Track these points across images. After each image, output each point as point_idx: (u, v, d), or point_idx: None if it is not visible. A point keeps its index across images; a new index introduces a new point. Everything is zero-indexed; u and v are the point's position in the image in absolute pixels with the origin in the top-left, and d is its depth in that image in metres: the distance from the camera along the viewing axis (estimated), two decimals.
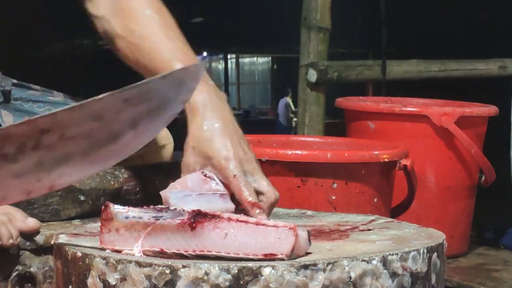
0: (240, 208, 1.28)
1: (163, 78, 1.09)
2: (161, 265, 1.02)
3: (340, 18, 3.57)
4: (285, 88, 16.03)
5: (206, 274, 1.01)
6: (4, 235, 1.32)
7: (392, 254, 1.08)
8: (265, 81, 25.94)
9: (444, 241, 1.19)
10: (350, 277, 1.04)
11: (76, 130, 1.08)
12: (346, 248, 1.14)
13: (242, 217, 1.10)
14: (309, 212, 1.48)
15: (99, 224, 1.31)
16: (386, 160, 2.15)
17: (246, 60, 26.91)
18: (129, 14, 1.49)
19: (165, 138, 1.75)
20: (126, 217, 1.11)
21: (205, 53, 23.22)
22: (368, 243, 1.18)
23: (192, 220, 1.08)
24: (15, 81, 1.70)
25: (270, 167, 2.07)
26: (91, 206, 1.55)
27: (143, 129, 1.12)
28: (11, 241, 1.33)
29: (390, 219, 1.41)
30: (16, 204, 1.43)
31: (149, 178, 1.62)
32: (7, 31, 1.60)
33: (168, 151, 1.77)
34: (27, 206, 1.47)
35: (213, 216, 1.08)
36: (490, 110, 2.76)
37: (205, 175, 1.29)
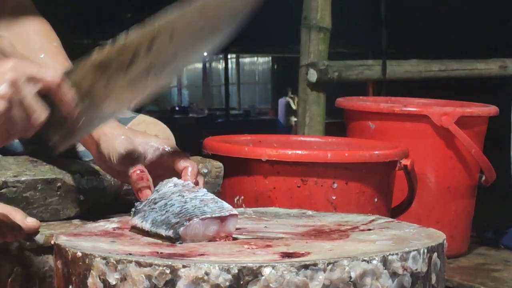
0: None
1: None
2: (161, 265, 1.02)
3: (340, 18, 3.57)
4: (286, 88, 16.04)
5: (206, 274, 1.01)
6: (7, 230, 1.32)
7: (392, 254, 1.08)
8: (265, 81, 25.95)
9: (445, 241, 1.19)
10: (350, 277, 1.04)
11: (184, 29, 1.24)
12: (346, 248, 1.14)
13: None
14: (309, 212, 1.48)
15: (99, 224, 1.31)
16: (386, 160, 2.15)
17: (246, 60, 26.92)
18: (35, 40, 1.54)
19: (155, 130, 1.75)
20: None
21: (205, 53, 23.21)
22: (368, 243, 1.18)
23: None
24: None
25: (270, 167, 2.07)
26: (91, 206, 1.55)
27: (237, 22, 1.32)
28: (14, 232, 1.33)
29: (390, 219, 1.41)
30: (16, 204, 1.43)
31: None
32: None
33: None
34: (26, 206, 1.47)
35: None
36: (490, 110, 2.76)
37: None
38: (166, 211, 1.24)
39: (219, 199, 1.26)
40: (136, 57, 1.23)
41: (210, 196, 1.28)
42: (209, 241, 1.20)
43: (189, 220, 1.19)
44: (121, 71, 1.23)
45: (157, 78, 1.26)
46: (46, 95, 1.20)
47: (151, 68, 1.24)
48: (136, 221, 1.27)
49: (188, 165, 1.39)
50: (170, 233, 1.19)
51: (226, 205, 1.24)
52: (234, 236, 1.24)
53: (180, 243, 1.18)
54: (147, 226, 1.24)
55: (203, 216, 1.20)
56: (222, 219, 1.21)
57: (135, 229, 1.27)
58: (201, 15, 1.25)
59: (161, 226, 1.21)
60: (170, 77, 1.32)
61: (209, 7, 1.25)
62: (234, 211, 1.23)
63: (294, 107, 15.78)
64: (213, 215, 1.20)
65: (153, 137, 1.45)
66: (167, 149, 1.42)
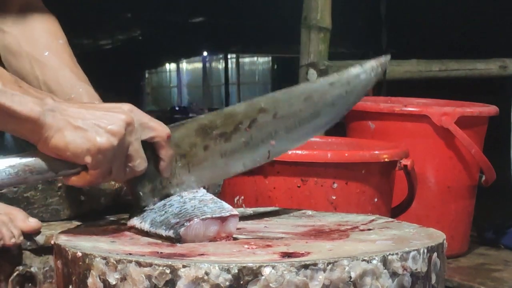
0: None
1: (361, 67, 1.39)
2: (161, 265, 1.02)
3: (340, 18, 3.57)
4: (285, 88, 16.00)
5: (206, 274, 1.01)
6: (6, 235, 1.32)
7: (392, 254, 1.08)
8: (265, 81, 25.92)
9: (444, 241, 1.19)
10: (350, 277, 1.04)
11: (288, 109, 1.33)
12: (346, 248, 1.14)
13: None
14: (309, 212, 1.48)
15: (99, 224, 1.31)
16: (386, 160, 2.15)
17: (246, 60, 26.90)
18: (41, 38, 1.54)
19: None
20: None
21: (205, 53, 23.23)
22: (368, 243, 1.18)
23: None
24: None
25: (270, 167, 2.07)
26: (91, 206, 1.55)
27: (339, 107, 1.39)
28: (13, 240, 1.33)
29: (390, 219, 1.41)
30: (17, 204, 1.43)
31: None
32: None
33: None
34: (27, 206, 1.47)
35: None
36: (490, 110, 2.76)
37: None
38: (165, 212, 1.24)
39: (218, 199, 1.26)
40: (239, 128, 1.30)
41: (209, 196, 1.28)
42: (210, 241, 1.20)
43: (190, 220, 1.19)
44: (221, 139, 1.29)
45: (253, 153, 1.32)
46: (147, 147, 1.23)
47: (250, 142, 1.31)
48: (135, 221, 1.27)
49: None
50: (170, 233, 1.19)
51: (226, 205, 1.24)
52: (234, 236, 1.24)
53: (180, 243, 1.18)
54: (146, 226, 1.24)
55: (204, 217, 1.20)
56: (223, 220, 1.21)
57: (134, 229, 1.27)
58: (306, 100, 1.35)
59: (161, 227, 1.21)
60: (266, 157, 1.35)
61: (314, 93, 1.35)
62: (235, 212, 1.23)
63: None
64: (214, 216, 1.20)
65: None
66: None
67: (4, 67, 1.55)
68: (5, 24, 1.54)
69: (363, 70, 1.40)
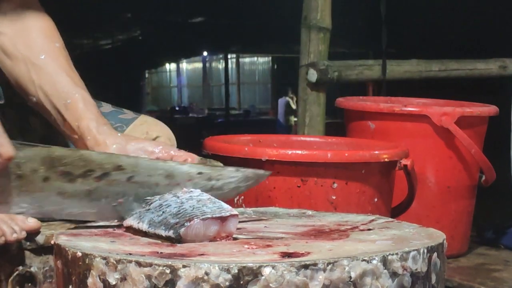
0: None
1: (236, 171, 1.36)
2: (161, 265, 1.02)
3: (340, 18, 3.57)
4: (286, 88, 16.05)
5: (206, 274, 1.01)
6: (7, 231, 1.32)
7: (392, 254, 1.08)
8: (265, 81, 25.94)
9: (444, 241, 1.19)
10: (350, 277, 1.04)
11: (145, 178, 1.29)
12: (346, 248, 1.14)
13: None
14: (309, 212, 1.48)
15: (99, 224, 1.31)
16: (386, 160, 2.15)
17: (246, 60, 26.91)
18: (37, 40, 1.53)
19: (157, 131, 1.75)
20: None
21: (205, 53, 23.23)
22: (368, 243, 1.18)
23: None
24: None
25: (270, 167, 2.07)
26: None
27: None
28: (15, 235, 1.33)
29: (390, 219, 1.41)
30: None
31: None
32: None
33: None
34: None
35: None
36: (490, 110, 2.76)
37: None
38: (163, 212, 1.23)
39: (216, 199, 1.26)
40: (87, 175, 1.25)
41: (206, 196, 1.27)
42: (210, 241, 1.20)
43: (190, 220, 1.19)
44: (66, 177, 1.24)
45: (92, 205, 1.27)
46: None
47: (95, 193, 1.26)
48: (132, 221, 1.27)
49: (186, 158, 1.40)
50: (170, 233, 1.19)
51: (225, 205, 1.24)
52: (233, 236, 1.24)
53: (180, 244, 1.18)
54: (144, 226, 1.23)
55: (204, 217, 1.20)
56: (223, 219, 1.21)
57: (131, 229, 1.26)
58: (167, 177, 1.30)
59: (160, 227, 1.21)
60: (110, 212, 1.30)
61: (179, 175, 1.31)
62: (235, 211, 1.23)
63: (293, 106, 15.77)
64: (214, 215, 1.20)
65: (147, 141, 1.46)
66: (161, 150, 1.42)
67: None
68: (1, 25, 1.54)
69: (237, 175, 1.36)
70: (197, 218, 1.19)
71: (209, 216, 1.20)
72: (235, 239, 1.21)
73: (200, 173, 1.32)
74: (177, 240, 1.18)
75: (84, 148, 1.43)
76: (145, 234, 1.23)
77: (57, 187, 1.24)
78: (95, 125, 1.43)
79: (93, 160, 1.24)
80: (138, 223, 1.25)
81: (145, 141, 1.46)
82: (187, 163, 1.36)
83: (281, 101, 15.78)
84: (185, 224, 1.18)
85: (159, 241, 1.20)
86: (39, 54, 1.51)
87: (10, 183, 1.22)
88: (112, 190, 1.27)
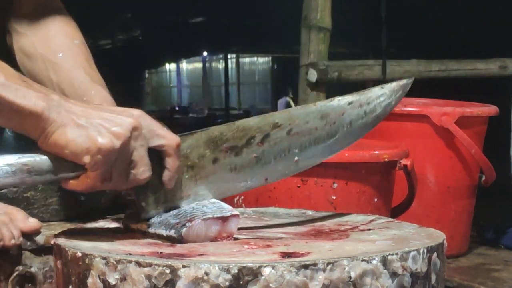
0: None
1: (381, 88, 1.37)
2: (161, 265, 1.02)
3: (340, 18, 3.57)
4: (286, 88, 16.05)
5: (206, 274, 1.01)
6: (6, 235, 1.32)
7: (392, 254, 1.08)
8: (265, 81, 25.95)
9: (444, 241, 1.19)
10: (350, 277, 1.04)
11: (303, 127, 1.29)
12: (346, 248, 1.14)
13: None
14: (309, 212, 1.48)
15: (99, 224, 1.31)
16: (386, 160, 2.15)
17: (246, 60, 26.93)
18: (55, 38, 1.51)
19: None
20: None
21: (205, 53, 23.24)
22: (368, 243, 1.18)
23: None
24: None
25: None
26: (91, 206, 1.55)
27: (355, 128, 1.35)
28: (13, 241, 1.33)
29: (390, 219, 1.41)
30: (17, 204, 1.43)
31: None
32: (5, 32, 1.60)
33: None
34: (27, 206, 1.47)
35: None
36: (490, 110, 2.76)
37: None
38: (162, 213, 1.23)
39: (216, 200, 1.26)
40: (250, 143, 1.26)
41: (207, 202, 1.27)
42: (211, 241, 1.20)
43: (191, 220, 1.19)
44: (232, 152, 1.25)
45: (264, 170, 1.28)
46: (155, 157, 1.18)
47: (262, 157, 1.27)
48: (131, 222, 1.26)
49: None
50: (171, 233, 1.18)
51: (225, 205, 1.24)
52: (234, 236, 1.24)
53: (181, 244, 1.18)
54: (143, 227, 1.23)
55: (205, 217, 1.20)
56: (224, 220, 1.21)
57: (130, 229, 1.26)
58: (322, 118, 1.31)
59: (160, 227, 1.21)
60: (277, 175, 1.31)
61: (332, 112, 1.32)
62: (235, 211, 1.23)
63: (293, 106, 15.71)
64: (215, 216, 1.20)
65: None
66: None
67: (19, 69, 1.54)
68: (20, 25, 1.52)
69: (384, 92, 1.38)
70: (198, 218, 1.19)
71: (210, 216, 1.20)
72: (235, 239, 1.22)
73: (350, 103, 1.33)
74: (178, 240, 1.18)
75: None
76: (144, 234, 1.23)
77: (227, 164, 1.25)
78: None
79: (250, 127, 1.26)
80: (137, 223, 1.25)
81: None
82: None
83: (281, 101, 15.79)
84: (187, 224, 1.18)
85: (160, 241, 1.20)
86: (57, 53, 1.49)
87: (184, 177, 1.23)
88: (277, 148, 1.28)
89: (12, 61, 1.58)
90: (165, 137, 1.19)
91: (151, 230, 1.22)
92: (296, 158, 1.30)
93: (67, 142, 1.12)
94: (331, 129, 1.32)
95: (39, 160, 1.13)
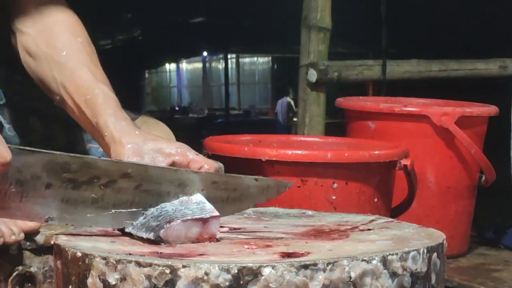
0: None
1: (255, 180, 1.27)
2: (161, 265, 1.02)
3: (340, 18, 3.57)
4: (286, 88, 16.05)
5: (206, 274, 1.01)
6: (6, 232, 1.32)
7: (392, 254, 1.07)
8: (265, 81, 25.96)
9: (444, 241, 1.19)
10: (350, 277, 1.04)
11: (155, 187, 1.21)
12: (346, 248, 1.14)
13: None
14: (309, 212, 1.48)
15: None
16: (386, 160, 2.15)
17: (246, 60, 26.93)
18: (59, 36, 1.49)
19: (157, 131, 1.73)
20: None
21: (205, 53, 23.24)
22: (368, 243, 1.18)
23: None
24: (19, 80, 1.70)
25: (270, 167, 2.07)
26: None
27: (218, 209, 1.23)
28: (13, 237, 1.33)
29: (390, 219, 1.41)
30: None
31: None
32: (8, 32, 1.60)
33: None
34: None
35: None
36: (490, 110, 2.76)
37: None
38: (146, 215, 1.22)
39: (202, 201, 1.24)
40: (93, 182, 1.18)
41: (198, 198, 1.26)
42: (192, 242, 1.19)
43: (170, 222, 1.18)
44: (70, 184, 1.17)
45: (97, 213, 1.20)
46: None
47: (100, 200, 1.19)
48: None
49: (203, 165, 1.33)
50: (150, 235, 1.18)
51: (208, 206, 1.22)
52: (233, 236, 1.24)
53: (164, 244, 1.17)
54: (129, 228, 1.23)
55: (184, 218, 1.19)
56: (204, 221, 1.20)
57: (119, 231, 1.26)
58: (178, 186, 1.23)
59: (141, 229, 1.20)
60: (106, 222, 1.22)
61: (191, 184, 1.24)
62: (216, 213, 1.21)
63: (294, 108, 15.77)
64: (194, 217, 1.19)
65: (166, 142, 1.38)
66: (179, 153, 1.35)
67: (23, 68, 1.54)
68: (24, 25, 1.51)
69: (257, 184, 1.27)
70: (177, 219, 1.18)
71: (189, 217, 1.19)
72: (218, 240, 1.21)
73: (214, 182, 1.25)
74: (158, 242, 1.17)
75: (104, 145, 1.39)
76: (130, 235, 1.22)
77: (61, 194, 1.18)
78: (113, 121, 1.37)
79: (97, 167, 1.18)
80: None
81: (163, 141, 1.38)
82: (203, 171, 1.30)
83: (281, 101, 15.79)
84: (165, 226, 1.18)
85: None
86: (61, 51, 1.47)
87: (10, 188, 1.16)
88: (121, 198, 1.20)
89: (14, 61, 1.59)
90: None
91: (133, 231, 1.21)
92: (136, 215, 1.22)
93: None
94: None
95: None
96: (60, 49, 1.48)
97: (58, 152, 1.16)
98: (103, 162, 1.19)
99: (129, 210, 1.21)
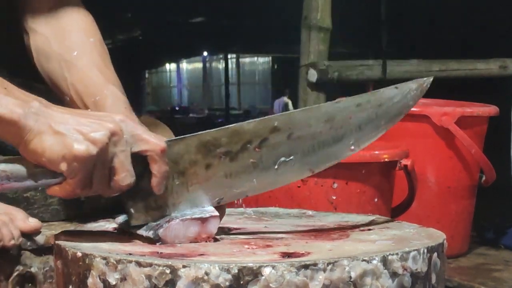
0: None
1: (395, 88, 1.26)
2: (161, 265, 1.02)
3: (340, 18, 3.57)
4: (283, 89, 16.07)
5: (206, 274, 1.01)
6: (6, 236, 1.32)
7: (392, 254, 1.07)
8: (265, 81, 25.98)
9: (445, 241, 1.19)
10: (351, 277, 1.04)
11: (305, 130, 1.21)
12: (346, 248, 1.14)
13: None
14: (310, 212, 1.48)
15: (99, 224, 1.31)
16: (386, 160, 2.15)
17: (246, 60, 26.95)
18: (71, 36, 1.48)
19: (157, 131, 1.72)
20: None
21: (205, 53, 23.25)
22: (368, 243, 1.18)
23: None
24: (19, 80, 1.70)
25: None
26: (91, 206, 1.55)
27: (365, 133, 1.26)
28: (12, 241, 1.33)
29: (390, 219, 1.41)
30: (17, 204, 1.43)
31: None
32: (9, 32, 1.60)
33: None
34: (27, 206, 1.47)
35: None
36: (490, 110, 2.76)
37: None
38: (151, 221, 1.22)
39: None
40: (247, 147, 1.19)
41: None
42: (190, 242, 1.19)
43: (169, 221, 1.18)
44: (227, 157, 1.19)
45: (263, 176, 1.21)
46: (141, 162, 1.15)
47: (260, 163, 1.20)
48: (120, 221, 1.26)
49: None
50: (150, 234, 1.18)
51: (208, 207, 1.22)
52: (232, 236, 1.24)
53: (160, 243, 1.17)
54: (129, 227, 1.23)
55: (183, 218, 1.19)
56: (203, 221, 1.20)
57: (120, 229, 1.26)
58: (327, 121, 1.22)
59: (141, 228, 1.20)
60: (278, 181, 1.23)
61: (338, 114, 1.23)
62: (215, 213, 1.21)
63: (291, 108, 15.78)
64: (193, 216, 1.19)
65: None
66: None
67: (24, 69, 1.53)
68: (37, 24, 1.50)
69: (398, 92, 1.27)
70: (176, 219, 1.18)
71: (189, 217, 1.19)
72: (216, 240, 1.21)
73: (358, 104, 1.24)
74: (157, 241, 1.17)
75: None
76: (131, 234, 1.22)
77: (222, 170, 1.19)
78: None
79: (245, 131, 1.19)
80: (126, 224, 1.24)
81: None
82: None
83: (278, 101, 15.80)
84: (164, 225, 1.18)
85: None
86: (72, 51, 1.46)
87: (174, 183, 1.18)
88: (277, 153, 1.20)
89: (14, 62, 1.58)
90: (149, 142, 1.16)
91: (134, 230, 1.21)
92: (298, 163, 1.22)
93: (44, 149, 1.10)
94: (337, 133, 1.23)
95: (19, 166, 1.11)
96: (71, 48, 1.46)
97: (203, 132, 1.18)
98: (248, 125, 1.19)
99: (288, 159, 1.21)
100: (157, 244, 1.17)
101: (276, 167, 1.21)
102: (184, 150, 1.19)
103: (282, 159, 1.21)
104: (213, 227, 1.20)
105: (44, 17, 1.49)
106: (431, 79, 1.30)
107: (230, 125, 1.20)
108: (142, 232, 1.20)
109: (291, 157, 1.22)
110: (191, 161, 1.19)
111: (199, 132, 1.19)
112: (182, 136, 1.20)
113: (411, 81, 1.30)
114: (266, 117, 1.23)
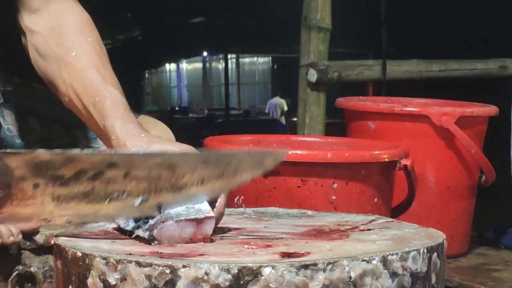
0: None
1: (248, 154, 1.25)
2: (161, 265, 1.02)
3: (340, 18, 3.57)
4: (279, 89, 16.09)
5: (206, 274, 1.01)
6: (5, 233, 1.32)
7: (392, 254, 1.07)
8: (265, 81, 25.99)
9: (444, 241, 1.19)
10: (350, 277, 1.04)
11: (143, 173, 1.16)
12: (346, 248, 1.14)
13: None
14: (309, 212, 1.48)
15: (99, 224, 1.31)
16: (386, 160, 2.15)
17: (246, 60, 26.96)
18: (69, 36, 1.47)
19: (157, 131, 1.72)
20: None
21: (205, 53, 23.25)
22: (368, 243, 1.18)
23: None
24: (18, 80, 1.70)
25: None
26: None
27: (209, 188, 1.20)
28: (11, 238, 1.33)
29: (390, 219, 1.41)
30: None
31: None
32: (8, 32, 1.59)
33: None
34: None
35: None
36: (490, 110, 2.76)
37: None
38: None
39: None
40: (80, 176, 1.14)
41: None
42: (186, 243, 1.19)
43: (163, 222, 1.18)
44: (58, 181, 1.14)
45: (92, 207, 1.17)
46: None
47: (91, 194, 1.16)
48: (120, 221, 1.26)
49: None
50: (146, 234, 1.18)
51: (204, 206, 1.22)
52: (233, 236, 1.24)
53: (156, 244, 1.18)
54: (129, 227, 1.23)
55: (178, 218, 1.19)
56: (198, 221, 1.20)
57: (119, 229, 1.26)
58: (169, 168, 1.17)
59: (139, 228, 1.20)
60: (106, 214, 1.19)
61: (182, 164, 1.18)
62: (211, 213, 1.20)
63: (285, 108, 15.77)
64: (188, 217, 1.19)
65: (171, 144, 1.34)
66: None
67: (22, 69, 1.52)
68: (33, 23, 1.49)
69: (249, 153, 1.27)
70: (171, 219, 1.18)
71: (183, 218, 1.19)
72: (212, 241, 1.21)
73: (205, 160, 1.20)
74: (152, 241, 1.18)
75: (110, 146, 1.37)
76: (130, 234, 1.22)
77: (49, 193, 1.14)
78: (119, 124, 1.35)
79: (82, 160, 1.14)
80: (125, 223, 1.24)
81: (169, 144, 1.34)
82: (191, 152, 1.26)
83: (271, 102, 15.81)
84: (158, 225, 1.18)
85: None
86: (70, 51, 1.45)
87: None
88: (111, 188, 1.16)
89: (12, 62, 1.58)
90: None
91: (133, 230, 1.21)
92: (136, 202, 1.18)
93: None
94: (178, 182, 1.18)
95: None
96: (69, 49, 1.46)
97: (40, 150, 1.13)
98: (86, 155, 1.15)
99: (122, 199, 1.17)
100: (152, 244, 1.17)
101: (106, 201, 1.17)
102: (15, 164, 1.13)
103: (116, 194, 1.17)
104: (208, 228, 1.20)
105: (42, 17, 1.49)
106: (285, 154, 1.25)
107: (69, 150, 1.15)
108: (139, 232, 1.20)
109: (124, 196, 1.17)
110: (20, 176, 1.13)
111: (37, 150, 1.14)
112: (16, 151, 1.16)
113: (264, 150, 1.28)
114: (107, 152, 1.21)
